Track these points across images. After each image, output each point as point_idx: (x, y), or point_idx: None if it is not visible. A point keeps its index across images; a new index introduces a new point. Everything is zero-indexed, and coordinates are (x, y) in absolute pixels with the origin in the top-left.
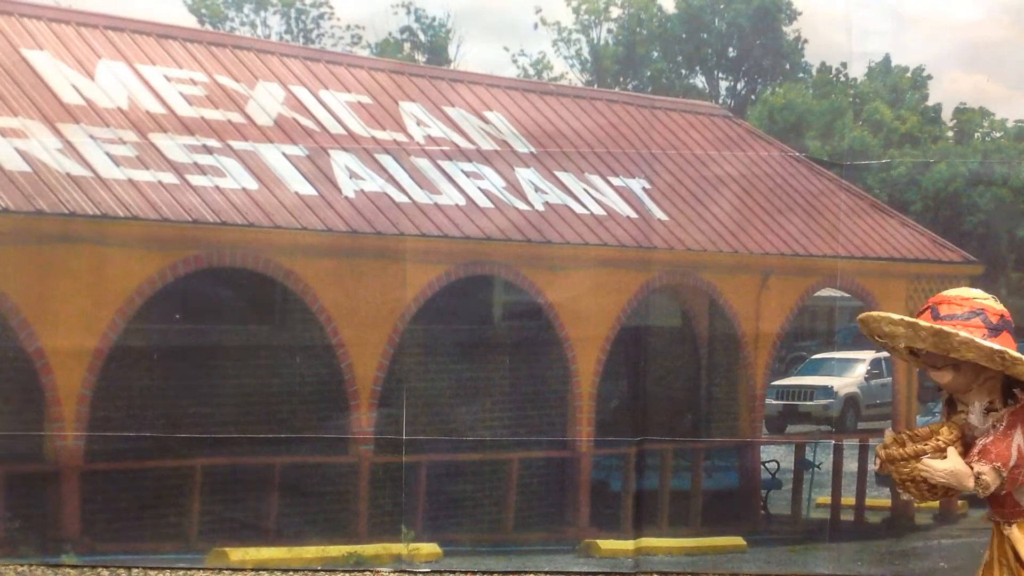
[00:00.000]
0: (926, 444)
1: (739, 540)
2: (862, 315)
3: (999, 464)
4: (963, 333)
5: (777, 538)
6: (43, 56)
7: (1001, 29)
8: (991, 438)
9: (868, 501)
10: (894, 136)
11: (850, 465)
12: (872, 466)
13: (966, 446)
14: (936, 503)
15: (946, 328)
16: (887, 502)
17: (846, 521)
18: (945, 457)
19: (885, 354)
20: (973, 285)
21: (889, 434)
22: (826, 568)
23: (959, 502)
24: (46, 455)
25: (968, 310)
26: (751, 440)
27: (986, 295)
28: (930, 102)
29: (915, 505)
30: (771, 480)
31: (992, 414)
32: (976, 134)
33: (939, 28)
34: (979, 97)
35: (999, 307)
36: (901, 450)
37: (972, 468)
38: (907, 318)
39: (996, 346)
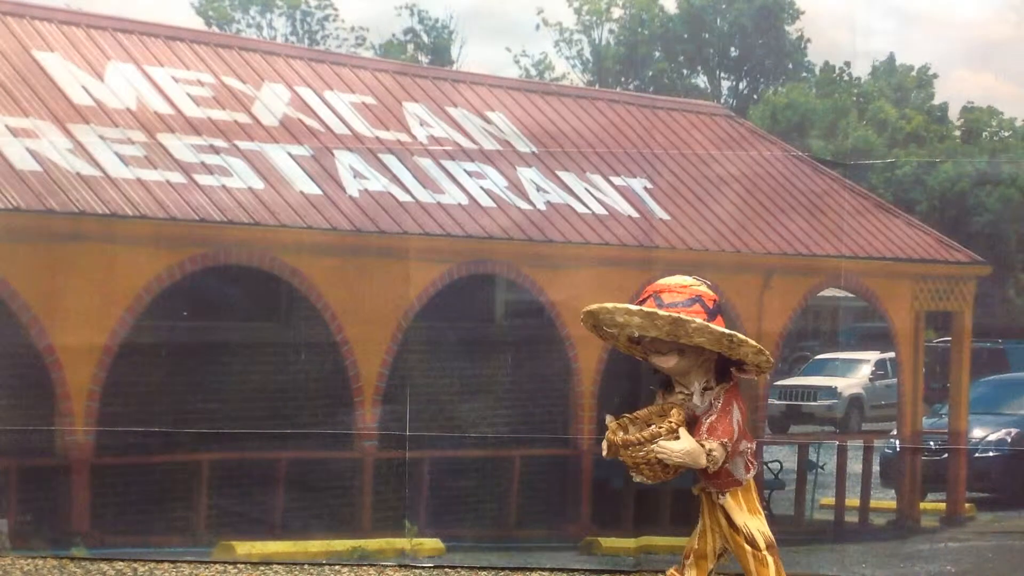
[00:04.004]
0: (660, 427)
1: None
2: (591, 307)
3: (726, 440)
4: (699, 320)
5: (780, 539)
6: (53, 57)
7: (1009, 27)
8: (715, 416)
9: (873, 503)
10: (899, 135)
11: (854, 466)
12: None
13: (688, 426)
14: (941, 506)
15: (683, 316)
16: (892, 504)
17: (850, 523)
18: (678, 438)
19: (890, 355)
20: (980, 286)
21: (611, 420)
22: (830, 569)
23: (967, 505)
24: (56, 450)
25: (688, 297)
26: (754, 440)
27: (699, 281)
28: (936, 101)
29: (645, 482)
30: (774, 480)
31: (708, 392)
32: (984, 133)
33: (945, 26)
34: (987, 96)
35: (712, 293)
36: (638, 434)
37: (704, 446)
38: (644, 308)
39: (725, 330)
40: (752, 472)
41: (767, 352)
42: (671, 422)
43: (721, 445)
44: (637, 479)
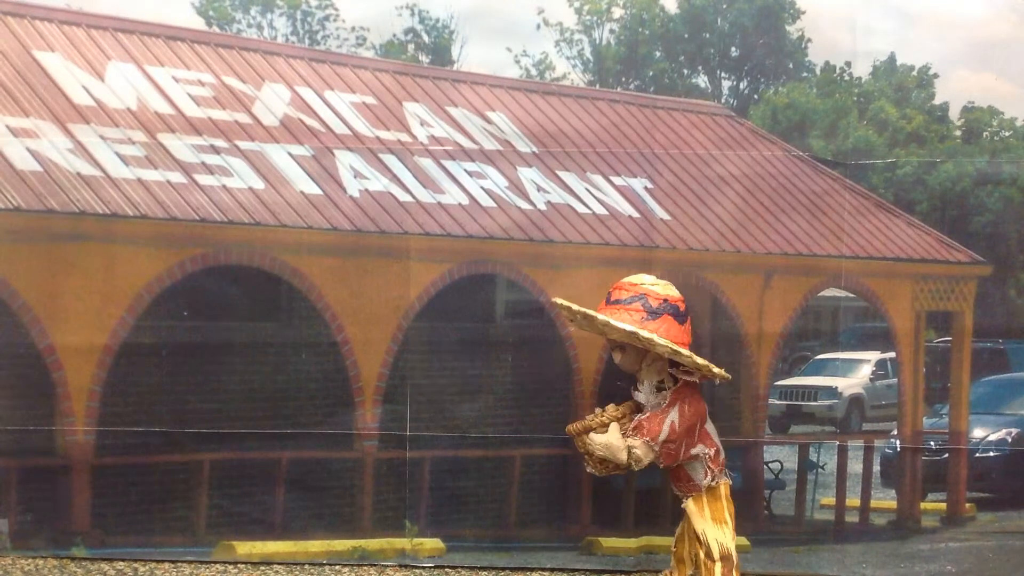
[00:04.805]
0: (591, 420)
1: (742, 540)
2: (556, 300)
3: (649, 439)
4: (602, 316)
5: (781, 539)
6: (54, 57)
7: (1009, 27)
8: (647, 415)
9: (873, 503)
10: (900, 135)
11: (855, 466)
12: (876, 467)
13: None
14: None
15: (590, 312)
16: (892, 504)
17: (851, 523)
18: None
19: (891, 355)
20: (980, 286)
21: (597, 412)
22: (830, 569)
23: (967, 505)
24: (57, 450)
25: (632, 295)
26: (754, 440)
27: (656, 281)
28: (937, 101)
29: (594, 472)
30: (774, 480)
31: (662, 392)
32: (985, 133)
33: (945, 26)
34: (987, 96)
35: (666, 292)
36: (576, 425)
37: (627, 442)
38: (565, 302)
39: (628, 327)
40: (712, 478)
41: (688, 354)
42: (603, 416)
43: (645, 444)
44: (588, 469)
